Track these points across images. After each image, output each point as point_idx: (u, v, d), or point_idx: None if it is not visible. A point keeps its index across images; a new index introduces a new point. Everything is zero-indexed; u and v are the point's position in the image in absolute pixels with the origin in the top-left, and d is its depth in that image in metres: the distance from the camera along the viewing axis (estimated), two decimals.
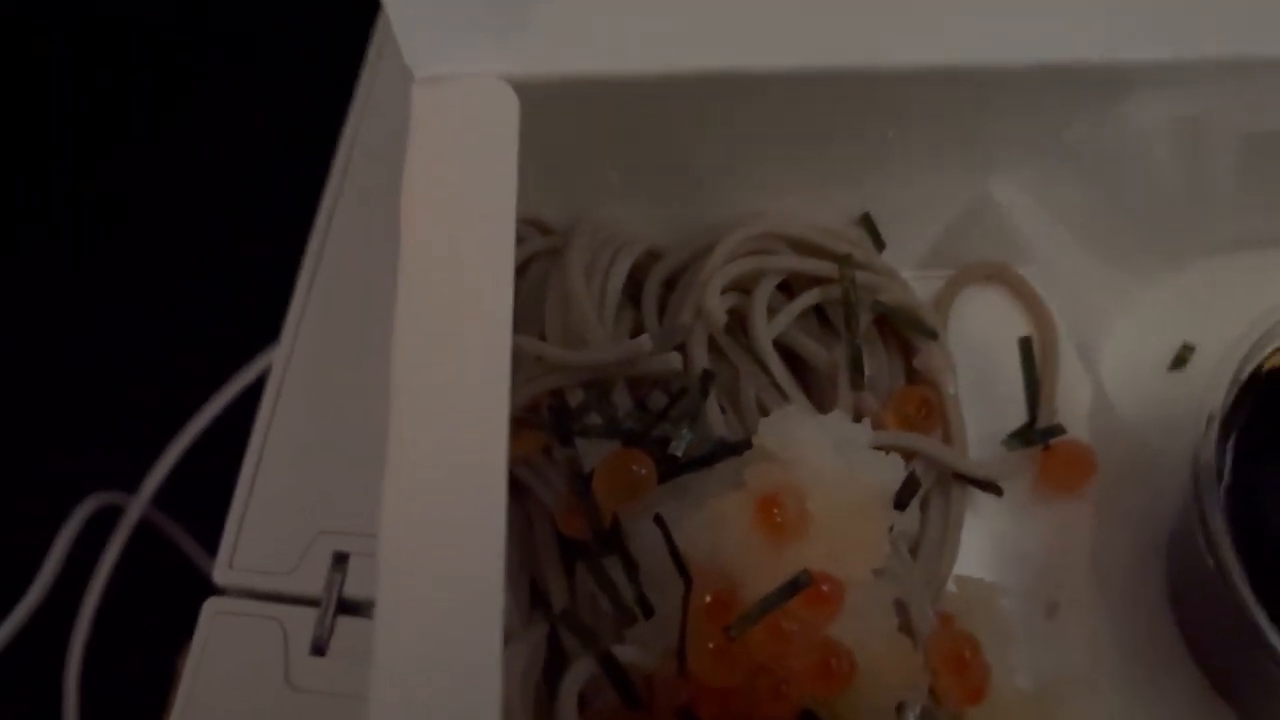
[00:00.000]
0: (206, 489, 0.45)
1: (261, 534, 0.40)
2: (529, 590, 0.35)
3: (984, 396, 0.41)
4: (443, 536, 0.28)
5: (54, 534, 0.66)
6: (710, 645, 0.30)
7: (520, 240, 0.39)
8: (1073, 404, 0.40)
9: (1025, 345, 0.41)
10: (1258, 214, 0.40)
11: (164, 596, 0.55)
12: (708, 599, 0.31)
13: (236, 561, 0.40)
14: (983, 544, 0.39)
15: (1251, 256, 0.41)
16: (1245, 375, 0.34)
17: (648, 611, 0.32)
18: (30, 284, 0.82)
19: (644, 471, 0.33)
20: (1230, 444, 0.33)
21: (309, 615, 0.39)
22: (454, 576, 0.28)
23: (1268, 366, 0.34)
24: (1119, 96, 0.37)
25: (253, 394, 0.58)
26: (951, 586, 0.37)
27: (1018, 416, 0.40)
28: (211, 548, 0.40)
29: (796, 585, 0.30)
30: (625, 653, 0.32)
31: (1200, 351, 0.41)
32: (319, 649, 0.38)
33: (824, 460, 0.33)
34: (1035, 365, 0.41)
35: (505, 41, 0.35)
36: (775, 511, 0.31)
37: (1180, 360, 0.41)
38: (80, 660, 0.65)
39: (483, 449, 0.29)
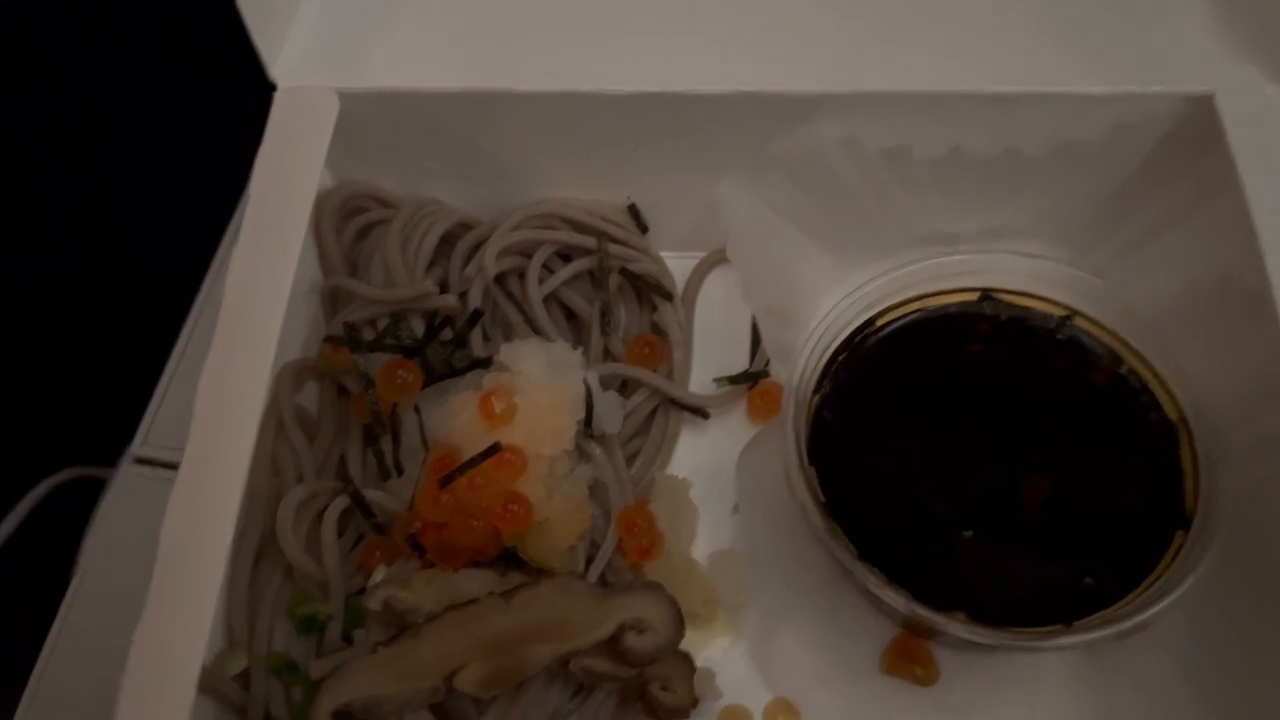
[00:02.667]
0: None
1: (171, 419, 0.54)
2: (339, 461, 0.48)
3: (722, 350, 0.53)
4: (228, 408, 0.41)
5: None
6: (430, 491, 0.43)
7: (365, 210, 0.52)
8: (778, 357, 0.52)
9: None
10: (933, 214, 0.51)
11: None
12: (435, 459, 0.44)
13: (150, 439, 0.54)
14: (696, 455, 0.51)
15: (932, 248, 0.52)
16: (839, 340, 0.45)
17: (401, 471, 0.45)
18: None
19: (410, 376, 0.46)
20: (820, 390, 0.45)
21: None
22: (227, 435, 0.41)
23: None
24: (804, 119, 0.48)
25: None
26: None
27: (744, 367, 0.52)
28: None
29: (489, 452, 0.43)
30: (378, 496, 0.44)
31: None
32: None
33: (538, 372, 0.45)
34: (757, 326, 0.53)
35: (344, 63, 0.49)
36: (492, 402, 0.44)
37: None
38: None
39: (258, 351, 0.42)
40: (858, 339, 0.46)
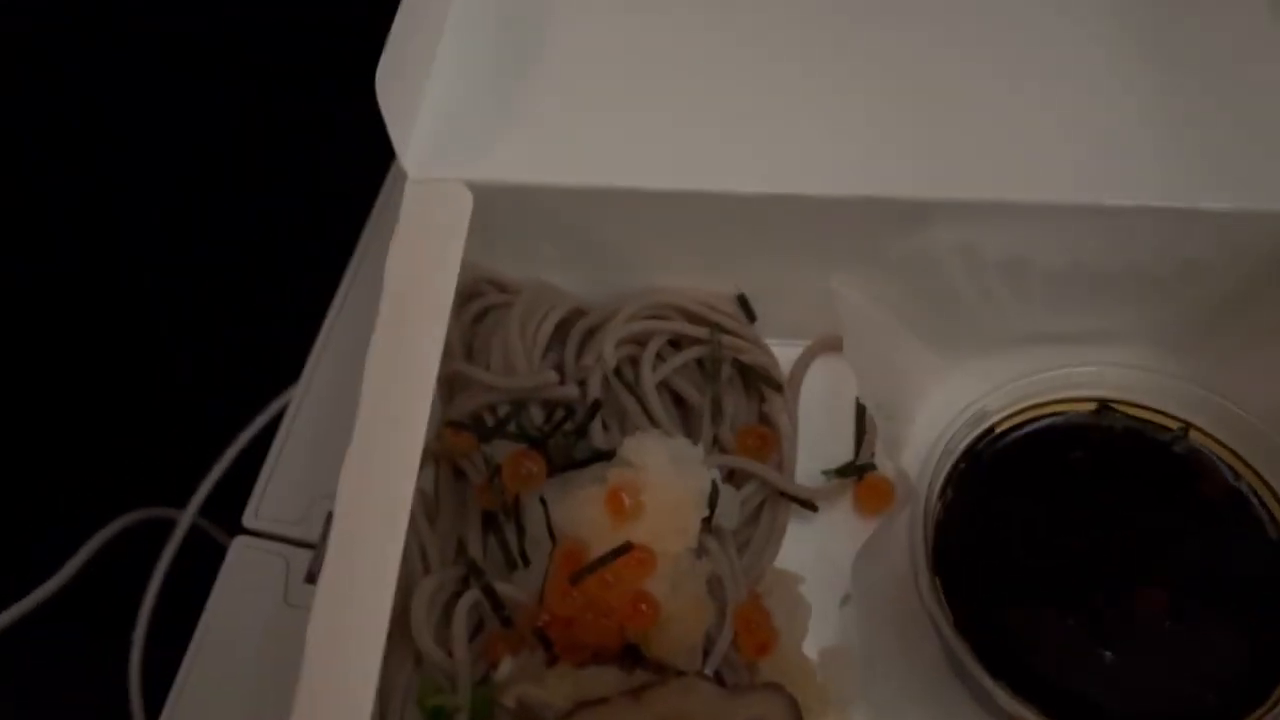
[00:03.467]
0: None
1: (281, 494, 0.55)
2: (456, 545, 0.49)
3: (824, 439, 0.54)
4: (375, 500, 0.42)
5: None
6: (559, 586, 0.44)
7: (482, 294, 0.53)
8: (886, 450, 0.53)
9: (859, 403, 0.54)
10: (1038, 315, 0.52)
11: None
12: (564, 553, 0.45)
13: (261, 512, 0.55)
14: (803, 547, 0.51)
15: (1041, 348, 0.53)
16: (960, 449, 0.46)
17: (527, 562, 0.46)
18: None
19: (533, 467, 0.47)
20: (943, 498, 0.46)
21: (305, 555, 0.53)
22: (376, 527, 0.41)
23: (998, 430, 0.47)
24: (920, 223, 0.50)
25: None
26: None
27: (847, 456, 0.53)
28: None
29: (620, 551, 0.44)
30: (506, 588, 0.45)
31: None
32: (311, 578, 0.52)
33: (663, 467, 0.46)
34: (864, 418, 0.54)
35: (474, 156, 0.50)
36: (621, 499, 0.45)
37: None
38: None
39: (403, 445, 0.43)
40: (978, 447, 0.47)
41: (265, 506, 0.55)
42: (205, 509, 0.67)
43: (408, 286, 0.46)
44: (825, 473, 0.52)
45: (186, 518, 0.69)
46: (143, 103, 0.90)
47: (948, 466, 0.46)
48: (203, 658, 0.51)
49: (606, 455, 0.47)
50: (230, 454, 0.67)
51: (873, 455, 0.53)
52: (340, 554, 0.41)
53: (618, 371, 0.51)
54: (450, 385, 0.51)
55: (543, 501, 0.47)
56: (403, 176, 0.49)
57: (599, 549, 0.44)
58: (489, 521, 0.49)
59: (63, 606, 0.65)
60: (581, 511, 0.45)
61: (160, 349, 0.86)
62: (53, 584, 0.64)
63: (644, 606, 0.44)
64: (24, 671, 0.61)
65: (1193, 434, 0.47)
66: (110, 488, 0.74)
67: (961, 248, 0.49)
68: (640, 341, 0.53)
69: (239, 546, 0.54)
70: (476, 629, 0.47)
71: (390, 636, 0.43)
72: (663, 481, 0.46)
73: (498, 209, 0.50)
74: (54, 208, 0.87)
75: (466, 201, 0.48)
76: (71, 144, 0.88)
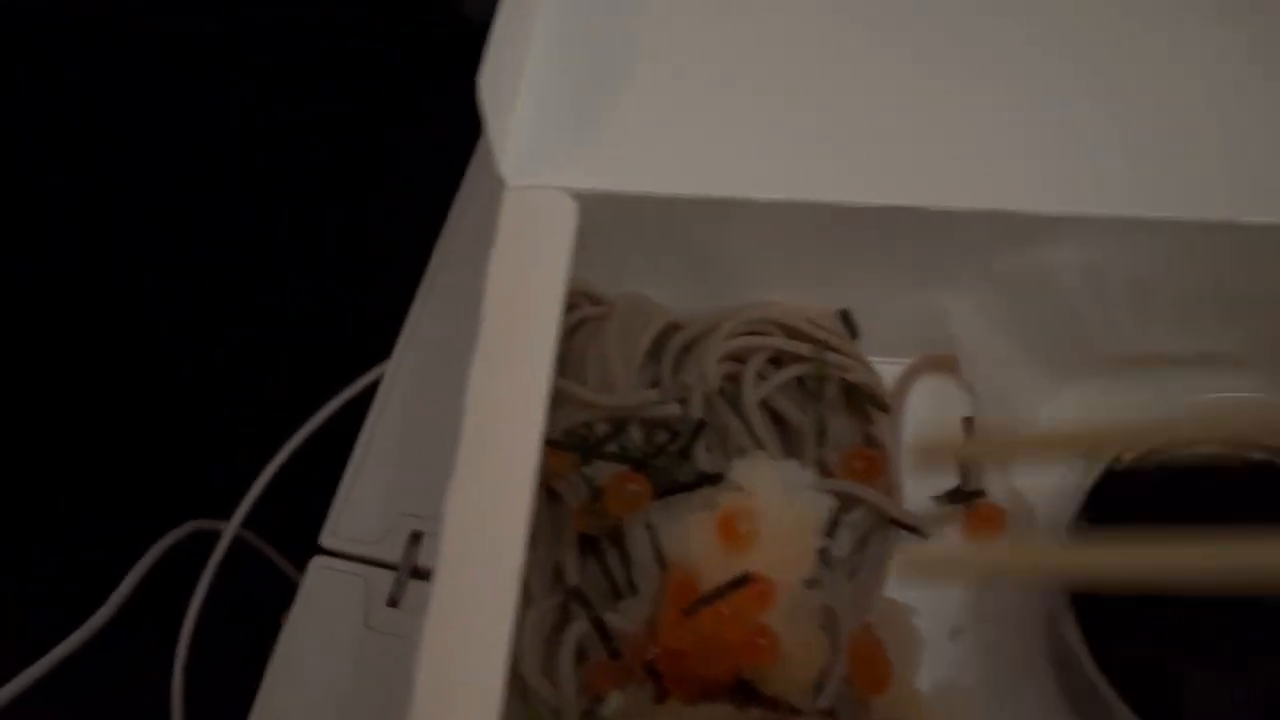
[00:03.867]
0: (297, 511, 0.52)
1: (360, 510, 0.53)
2: (553, 571, 0.47)
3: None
4: (486, 525, 0.40)
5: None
6: (671, 617, 0.42)
7: (575, 307, 0.51)
8: (995, 475, 0.50)
9: (966, 423, 0.52)
10: (1157, 335, 0.50)
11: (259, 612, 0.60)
12: (676, 584, 0.42)
13: (339, 530, 0.52)
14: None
15: (1157, 369, 0.51)
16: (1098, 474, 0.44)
17: (634, 591, 0.44)
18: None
19: (638, 489, 0.44)
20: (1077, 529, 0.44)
21: (388, 576, 0.51)
22: (490, 555, 0.40)
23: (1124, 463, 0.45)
24: (1034, 239, 0.47)
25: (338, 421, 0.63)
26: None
27: (952, 480, 0.51)
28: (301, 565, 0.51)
29: (740, 582, 0.41)
30: (613, 619, 0.43)
31: None
32: (393, 602, 0.50)
33: (774, 493, 0.44)
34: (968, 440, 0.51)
35: (574, 162, 0.48)
36: (734, 526, 0.43)
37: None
38: (182, 674, 0.63)
39: (520, 466, 0.41)
40: (1109, 480, 0.45)
41: (344, 525, 0.53)
42: (247, 522, 0.65)
43: (511, 300, 0.44)
44: (935, 499, 0.50)
45: (230, 530, 0.66)
46: (143, 103, 0.89)
47: (1081, 498, 0.44)
48: (279, 686, 0.49)
49: (713, 479, 0.45)
50: (272, 467, 0.65)
51: (980, 482, 0.50)
52: (449, 590, 0.39)
53: (719, 390, 0.49)
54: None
55: (649, 527, 0.44)
56: (499, 184, 0.47)
57: (711, 578, 0.42)
58: (585, 546, 0.46)
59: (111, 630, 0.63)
60: (693, 538, 0.43)
61: (161, 351, 0.86)
62: (105, 611, 0.61)
63: (762, 640, 0.42)
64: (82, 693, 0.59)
65: None
66: (124, 500, 0.74)
67: (1085, 266, 0.47)
68: (740, 358, 0.50)
69: (316, 567, 0.52)
70: (579, 659, 0.44)
71: None
72: (776, 507, 0.44)
73: (594, 218, 0.48)
74: (54, 208, 0.87)
75: (571, 211, 0.46)
76: (71, 144, 0.88)
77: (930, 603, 0.48)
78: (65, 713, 0.59)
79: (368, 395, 0.57)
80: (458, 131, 0.59)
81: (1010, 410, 0.51)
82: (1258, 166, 0.47)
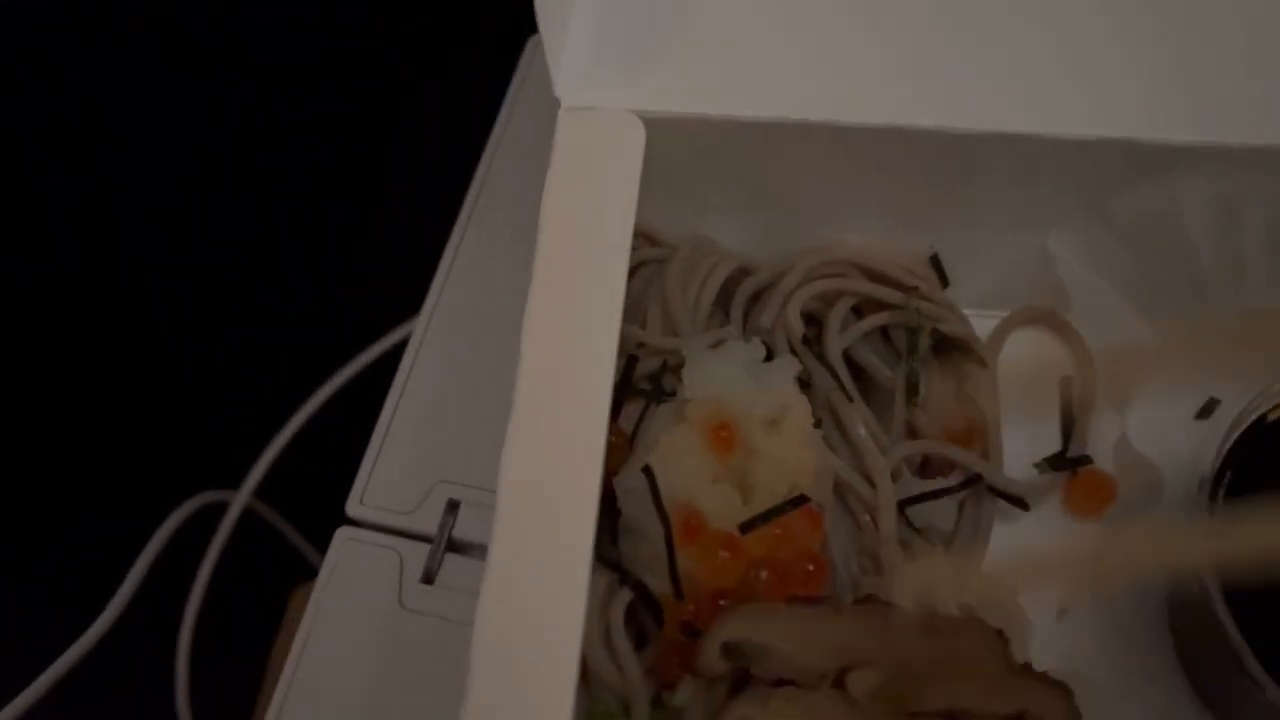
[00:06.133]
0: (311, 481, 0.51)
1: (389, 478, 0.47)
2: None
3: (1024, 423, 0.46)
4: (547, 496, 0.35)
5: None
6: (704, 557, 0.37)
7: (633, 248, 0.46)
8: (1102, 439, 0.45)
9: (1065, 383, 0.47)
10: (1271, 287, 0.45)
11: (267, 584, 0.61)
12: (682, 524, 0.37)
13: (366, 499, 0.47)
14: (1010, 550, 0.44)
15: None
16: (1244, 427, 0.39)
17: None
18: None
19: (614, 439, 0.39)
20: (1224, 487, 0.38)
21: (422, 550, 0.45)
22: (553, 525, 0.34)
23: (1270, 418, 0.39)
24: (1160, 172, 0.42)
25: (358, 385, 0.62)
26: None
27: (1052, 444, 0.46)
28: (313, 539, 0.47)
29: (796, 502, 0.37)
30: (651, 582, 0.38)
31: (1224, 405, 0.45)
32: (428, 578, 0.45)
33: (740, 383, 0.39)
34: (1072, 402, 0.46)
35: (638, 81, 0.42)
36: (723, 432, 0.38)
37: (1206, 410, 0.45)
38: (189, 646, 0.63)
39: (589, 421, 0.35)
40: (1255, 435, 0.39)
41: (371, 493, 0.47)
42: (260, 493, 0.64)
43: (570, 234, 0.39)
44: (1037, 465, 0.45)
45: (238, 504, 0.65)
46: (143, 103, 0.90)
47: (1217, 463, 0.38)
48: (306, 669, 0.44)
49: (659, 395, 0.41)
50: (285, 434, 0.63)
51: (1085, 446, 0.45)
52: (506, 566, 0.33)
53: (803, 339, 0.44)
54: None
55: (646, 470, 0.38)
56: (554, 104, 0.42)
57: (711, 504, 0.38)
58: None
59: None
60: (678, 461, 0.38)
61: (162, 349, 0.87)
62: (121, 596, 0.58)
63: (812, 566, 0.36)
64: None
65: None
66: (124, 495, 0.72)
67: (1217, 203, 0.42)
68: (823, 304, 0.45)
69: (342, 539, 0.46)
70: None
71: None
72: (747, 396, 0.39)
73: (654, 146, 0.42)
74: (54, 207, 0.87)
75: (638, 134, 0.41)
76: (71, 144, 0.88)
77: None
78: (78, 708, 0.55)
79: (385, 366, 0.54)
80: (458, 131, 0.57)
81: (1122, 372, 0.45)
82: None
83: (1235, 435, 0.39)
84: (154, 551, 0.58)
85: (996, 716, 0.36)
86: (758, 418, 0.39)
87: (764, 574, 0.37)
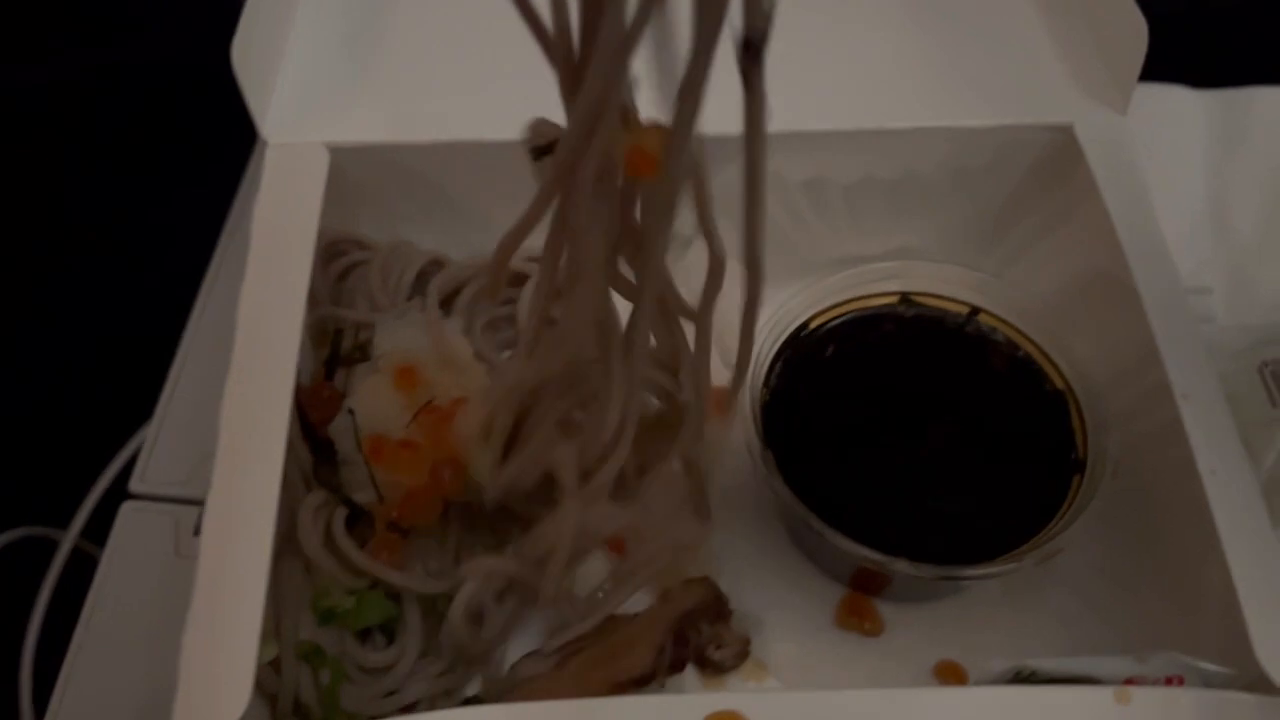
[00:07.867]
0: None
1: (164, 459, 0.58)
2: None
3: None
4: (256, 428, 0.45)
5: None
6: (394, 464, 0.48)
7: (345, 253, 0.58)
8: None
9: None
10: (842, 238, 0.59)
11: None
12: (370, 444, 0.49)
13: (146, 476, 0.57)
14: None
15: (852, 267, 0.60)
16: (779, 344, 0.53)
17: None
18: None
19: (328, 394, 0.52)
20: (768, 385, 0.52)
21: (193, 511, 0.56)
22: (259, 462, 0.44)
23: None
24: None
25: None
26: None
27: None
28: None
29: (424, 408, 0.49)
30: (359, 497, 0.49)
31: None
32: (199, 530, 0.55)
33: (419, 340, 0.52)
34: None
35: (333, 118, 0.54)
36: (408, 375, 0.50)
37: None
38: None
39: (277, 376, 0.46)
40: (799, 337, 0.53)
41: (151, 471, 0.58)
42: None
43: (273, 240, 0.50)
44: None
45: (70, 537, 0.64)
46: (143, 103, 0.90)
47: (771, 355, 0.52)
48: (97, 619, 0.53)
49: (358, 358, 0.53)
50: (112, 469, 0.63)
51: None
52: (226, 475, 0.44)
53: None
54: (320, 332, 0.55)
55: (350, 411, 0.50)
56: (264, 144, 0.54)
57: (399, 425, 0.49)
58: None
59: None
60: (373, 401, 0.50)
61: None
62: None
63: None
64: None
65: (982, 316, 0.54)
66: None
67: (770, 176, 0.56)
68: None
69: (127, 512, 0.56)
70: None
71: (277, 551, 0.48)
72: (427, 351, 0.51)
73: (354, 170, 0.55)
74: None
75: (323, 159, 0.53)
76: (71, 144, 0.89)
77: None
78: None
79: None
80: None
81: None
82: (903, 80, 0.56)
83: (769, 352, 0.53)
84: None
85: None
86: (432, 361, 0.51)
87: (448, 472, 0.49)
